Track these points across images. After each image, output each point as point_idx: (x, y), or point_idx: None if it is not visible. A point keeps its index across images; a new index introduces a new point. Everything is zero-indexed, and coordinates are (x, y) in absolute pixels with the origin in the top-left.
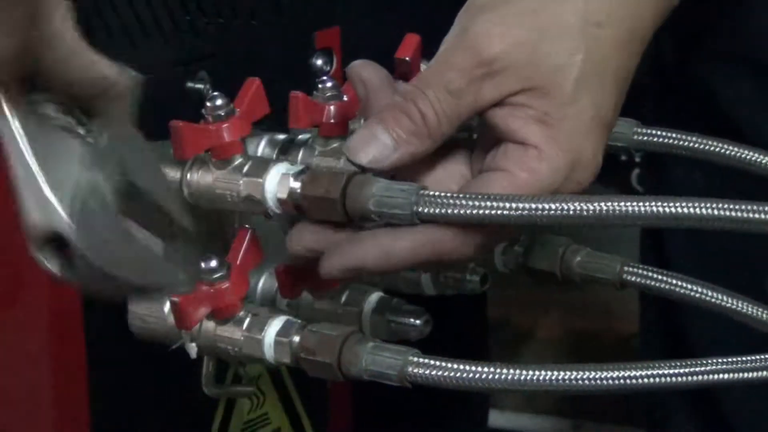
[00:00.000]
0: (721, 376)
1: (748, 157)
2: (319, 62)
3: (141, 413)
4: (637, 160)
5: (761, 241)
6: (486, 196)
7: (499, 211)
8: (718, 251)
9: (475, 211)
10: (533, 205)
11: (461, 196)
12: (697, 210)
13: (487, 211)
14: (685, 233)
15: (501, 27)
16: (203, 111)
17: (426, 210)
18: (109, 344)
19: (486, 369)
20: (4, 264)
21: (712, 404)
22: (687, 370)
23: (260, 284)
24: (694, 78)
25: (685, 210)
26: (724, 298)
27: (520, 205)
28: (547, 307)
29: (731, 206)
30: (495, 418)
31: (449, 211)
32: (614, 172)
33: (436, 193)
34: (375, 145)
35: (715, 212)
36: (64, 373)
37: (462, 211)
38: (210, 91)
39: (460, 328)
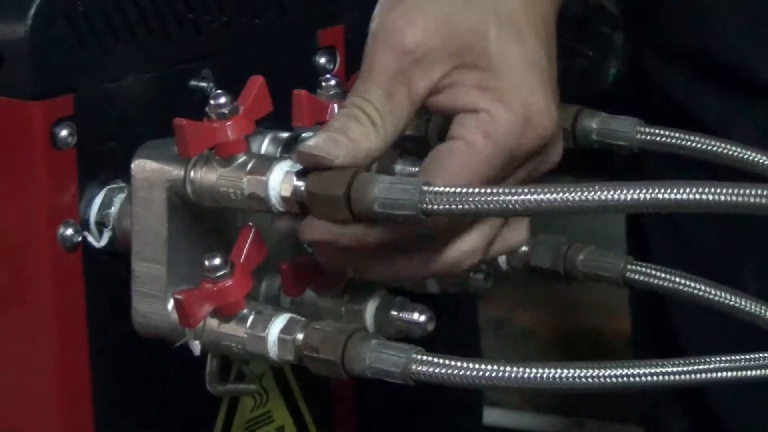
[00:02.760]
0: (723, 374)
1: (750, 157)
2: (323, 61)
3: (144, 411)
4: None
5: (739, 238)
6: (489, 191)
7: (503, 204)
8: (698, 249)
9: (479, 206)
10: (536, 197)
11: (465, 191)
12: (698, 195)
13: (491, 205)
14: (666, 232)
15: (410, 16)
16: (206, 109)
17: (431, 206)
18: (112, 342)
19: (489, 367)
20: (7, 263)
21: (700, 400)
22: (690, 368)
23: (263, 282)
24: (664, 84)
25: (688, 195)
26: (728, 297)
27: (524, 198)
28: (547, 304)
29: (736, 190)
30: (497, 416)
31: (454, 206)
32: (617, 170)
33: (440, 189)
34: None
35: (722, 197)
36: (67, 370)
37: (467, 206)
38: (213, 90)
39: (451, 327)
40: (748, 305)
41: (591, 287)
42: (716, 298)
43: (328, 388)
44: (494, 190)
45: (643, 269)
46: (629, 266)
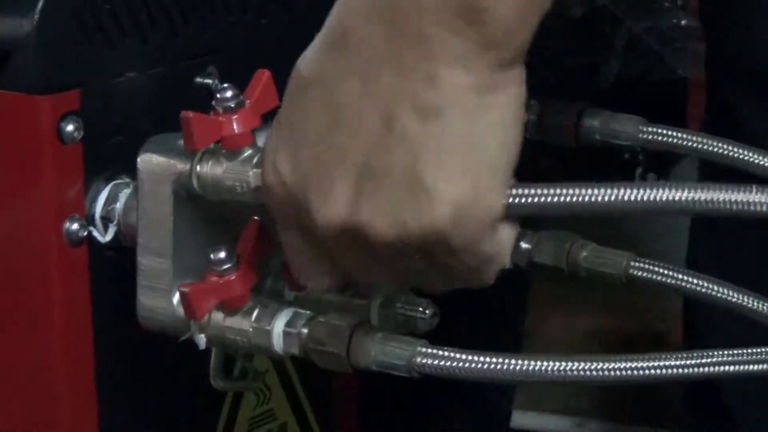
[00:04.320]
0: (727, 368)
1: (749, 158)
2: None
3: (148, 407)
4: (641, 158)
5: None
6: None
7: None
8: (737, 260)
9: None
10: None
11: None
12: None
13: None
14: (708, 241)
15: None
16: (213, 102)
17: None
18: (116, 336)
19: (494, 359)
20: (14, 256)
21: (712, 397)
22: (694, 361)
23: (268, 276)
24: (726, 97)
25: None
26: (732, 294)
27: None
28: (574, 306)
29: None
30: None
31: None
32: (618, 170)
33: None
34: None
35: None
36: (71, 363)
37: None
38: (218, 86)
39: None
40: (751, 302)
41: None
42: (719, 295)
43: (330, 386)
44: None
45: (646, 266)
46: (632, 263)
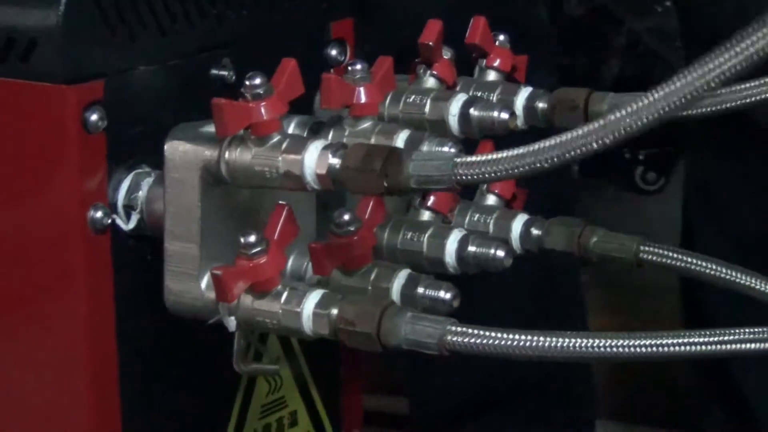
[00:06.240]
0: (748, 346)
1: None
2: (334, 52)
3: (168, 394)
4: (641, 157)
5: None
6: (516, 154)
7: (532, 165)
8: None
9: (509, 171)
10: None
11: (494, 158)
12: None
13: (521, 168)
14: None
15: None
16: (242, 89)
17: (465, 177)
18: (138, 323)
19: (524, 337)
20: (39, 243)
21: (735, 390)
22: (712, 339)
23: (290, 261)
24: None
25: None
26: (739, 276)
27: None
28: None
29: None
30: None
31: (486, 174)
32: (619, 170)
33: (471, 160)
34: None
35: None
36: (95, 349)
37: (498, 173)
38: (233, 77)
39: None
40: (758, 283)
41: None
42: (727, 276)
43: (338, 375)
44: (521, 152)
45: (657, 250)
46: (642, 247)
